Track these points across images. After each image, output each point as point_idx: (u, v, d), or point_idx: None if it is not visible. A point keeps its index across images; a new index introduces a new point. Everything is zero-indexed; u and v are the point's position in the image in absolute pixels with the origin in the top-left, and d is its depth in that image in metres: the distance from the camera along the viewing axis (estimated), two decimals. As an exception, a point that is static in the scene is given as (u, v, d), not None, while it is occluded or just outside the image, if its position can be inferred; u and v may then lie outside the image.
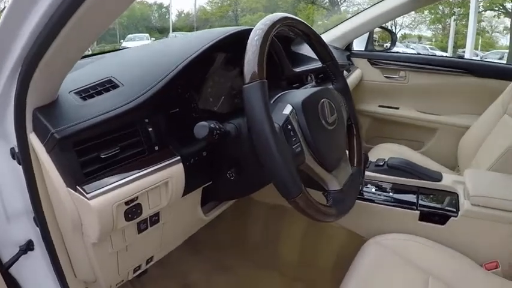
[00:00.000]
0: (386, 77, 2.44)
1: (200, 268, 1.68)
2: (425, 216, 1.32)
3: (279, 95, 0.98)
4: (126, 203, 0.81)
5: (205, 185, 1.04)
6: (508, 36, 18.13)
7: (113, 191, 0.78)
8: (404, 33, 22.05)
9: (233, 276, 1.66)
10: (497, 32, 20.36)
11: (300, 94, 0.94)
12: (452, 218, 1.29)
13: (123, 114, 0.83)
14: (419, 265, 1.18)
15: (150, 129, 0.89)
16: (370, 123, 2.51)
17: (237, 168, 0.97)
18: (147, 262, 1.06)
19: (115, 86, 0.90)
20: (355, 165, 1.15)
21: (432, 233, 1.31)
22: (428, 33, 22.46)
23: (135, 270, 1.02)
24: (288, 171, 0.76)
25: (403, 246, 1.25)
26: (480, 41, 19.45)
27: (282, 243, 1.67)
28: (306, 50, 1.71)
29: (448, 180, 1.44)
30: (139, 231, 0.90)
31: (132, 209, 0.82)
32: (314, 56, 1.13)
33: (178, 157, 0.91)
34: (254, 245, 1.74)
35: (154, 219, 0.93)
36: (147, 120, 0.89)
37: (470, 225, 1.27)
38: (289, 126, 0.85)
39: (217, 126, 0.86)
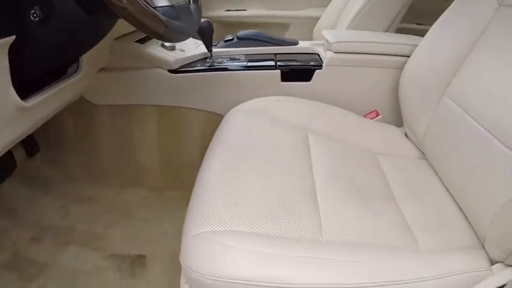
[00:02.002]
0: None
1: (55, 207, 1.27)
2: (287, 76, 1.13)
3: None
4: None
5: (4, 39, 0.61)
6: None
7: None
8: None
9: (96, 205, 1.28)
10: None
11: None
12: (317, 71, 1.13)
13: None
14: (292, 122, 0.99)
15: None
16: (219, 29, 2.27)
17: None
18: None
19: None
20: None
21: (298, 92, 1.13)
22: None
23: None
24: None
25: (270, 107, 1.04)
26: None
27: (139, 154, 1.32)
28: None
29: (305, 44, 1.28)
30: None
31: None
32: None
33: None
34: (110, 165, 1.34)
35: None
36: None
37: (336, 75, 1.12)
38: None
39: None
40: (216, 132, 0.94)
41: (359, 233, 0.68)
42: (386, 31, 1.47)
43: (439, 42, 0.99)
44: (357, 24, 1.46)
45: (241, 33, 1.33)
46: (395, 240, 0.69)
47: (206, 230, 0.63)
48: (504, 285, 0.62)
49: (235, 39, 1.31)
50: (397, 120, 1.13)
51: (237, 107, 1.05)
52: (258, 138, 0.89)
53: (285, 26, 2.18)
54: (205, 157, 0.84)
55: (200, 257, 0.59)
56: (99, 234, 1.17)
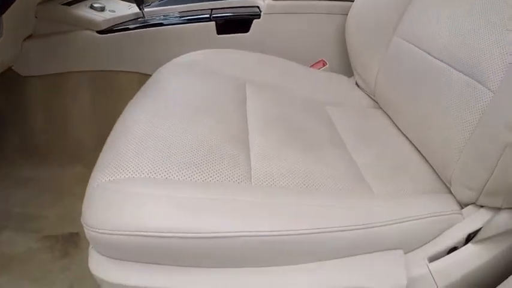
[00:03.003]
0: None
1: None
2: (224, 27, 1.05)
3: None
4: None
5: None
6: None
7: None
8: None
9: (34, 185, 1.17)
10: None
11: None
12: (255, 20, 1.05)
13: None
14: (228, 74, 0.90)
15: None
16: None
17: None
18: None
19: None
20: None
21: (237, 44, 1.05)
22: None
23: None
24: None
25: (204, 60, 0.95)
26: None
27: (75, 129, 1.21)
28: None
29: None
30: None
31: None
32: None
33: None
34: (47, 143, 1.23)
35: None
36: None
37: (276, 24, 1.05)
38: None
39: None
40: (142, 87, 0.85)
41: (302, 178, 0.60)
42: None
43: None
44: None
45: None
46: (347, 187, 0.62)
47: (108, 179, 0.54)
48: (478, 229, 0.56)
49: (171, -3, 1.22)
50: (347, 70, 1.06)
51: (168, 63, 0.96)
52: (185, 87, 0.80)
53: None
54: (126, 107, 0.75)
55: (97, 209, 0.51)
56: (34, 215, 1.08)
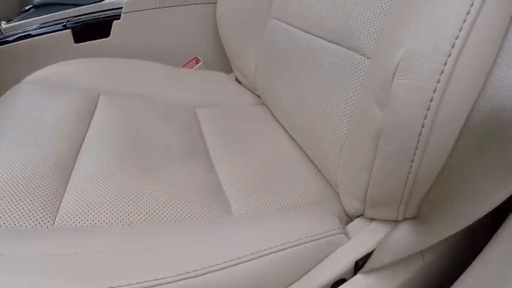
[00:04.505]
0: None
1: None
2: (81, 34, 0.91)
3: None
4: None
5: None
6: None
7: None
8: None
9: None
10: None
11: None
12: (115, 22, 0.91)
13: None
14: (83, 86, 0.76)
15: None
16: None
17: None
18: None
19: None
20: None
21: (98, 51, 0.91)
22: None
23: None
24: None
25: (56, 75, 0.80)
26: None
27: None
28: None
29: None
30: None
31: None
32: None
33: None
34: None
35: None
36: None
37: (140, 23, 0.91)
38: None
39: None
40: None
41: (125, 209, 0.47)
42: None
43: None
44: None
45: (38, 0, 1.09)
46: (194, 211, 0.48)
47: None
48: (371, 253, 0.41)
49: (33, 9, 1.08)
50: (226, 66, 0.94)
51: (21, 82, 0.81)
52: (26, 109, 0.65)
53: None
54: None
55: None
56: None
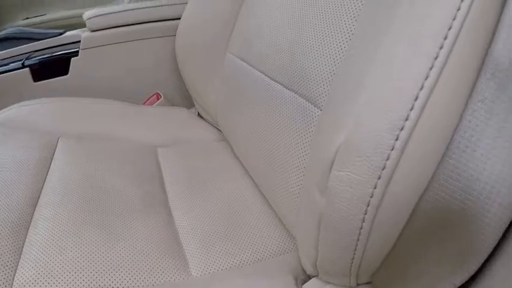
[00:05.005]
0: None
1: None
2: (40, 73, 0.91)
3: None
4: None
5: None
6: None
7: None
8: None
9: None
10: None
11: None
12: (73, 59, 0.92)
13: None
14: (41, 129, 0.76)
15: None
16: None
17: None
18: None
19: None
20: None
21: (58, 89, 0.91)
22: None
23: None
24: None
25: (16, 117, 0.80)
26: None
27: None
28: None
29: (72, 32, 1.01)
30: None
31: None
32: None
33: None
34: None
35: None
36: None
37: (98, 59, 0.92)
38: None
39: None
40: None
41: (89, 278, 0.46)
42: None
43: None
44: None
45: (4, 32, 1.07)
46: (156, 274, 0.48)
47: None
48: None
49: (-5, 42, 1.06)
50: (188, 100, 0.95)
51: None
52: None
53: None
54: None
55: None
56: None
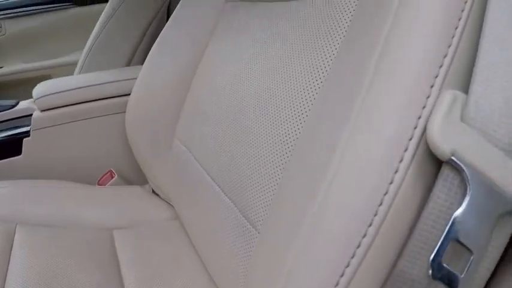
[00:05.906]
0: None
1: None
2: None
3: None
4: None
5: None
6: None
7: None
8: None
9: None
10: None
11: None
12: (25, 139, 0.92)
13: None
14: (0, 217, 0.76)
15: None
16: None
17: None
18: None
19: None
20: None
21: (12, 171, 0.91)
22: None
23: None
24: None
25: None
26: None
27: None
28: None
29: (25, 104, 1.01)
30: None
31: None
32: None
33: None
34: None
35: None
36: None
37: (51, 140, 0.92)
38: None
39: None
40: None
41: None
42: (129, 64, 1.33)
43: (158, 68, 0.85)
44: (90, 62, 1.29)
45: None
46: None
47: None
48: None
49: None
50: (142, 176, 0.95)
51: None
52: None
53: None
54: None
55: None
56: None
